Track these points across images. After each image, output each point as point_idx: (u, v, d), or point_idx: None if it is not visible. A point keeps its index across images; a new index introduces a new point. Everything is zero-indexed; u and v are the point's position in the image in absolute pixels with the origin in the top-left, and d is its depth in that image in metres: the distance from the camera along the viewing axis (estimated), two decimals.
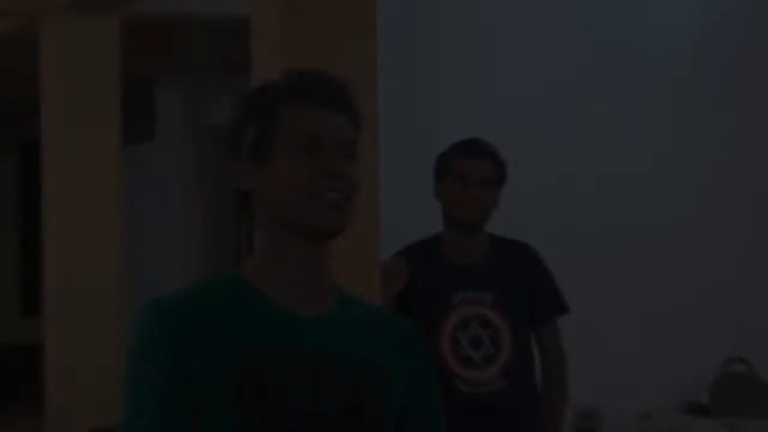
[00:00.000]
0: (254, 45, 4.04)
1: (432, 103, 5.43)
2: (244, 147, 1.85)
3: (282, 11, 3.83)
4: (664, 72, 5.85)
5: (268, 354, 1.80)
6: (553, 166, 5.66)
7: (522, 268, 3.97)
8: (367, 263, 3.57)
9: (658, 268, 5.85)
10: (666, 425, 5.55)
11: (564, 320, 3.96)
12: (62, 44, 6.13)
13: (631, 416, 5.46)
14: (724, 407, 5.45)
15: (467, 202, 3.82)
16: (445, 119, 5.29)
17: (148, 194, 9.21)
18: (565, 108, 5.65)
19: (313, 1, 3.88)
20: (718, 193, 5.97)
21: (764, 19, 6.12)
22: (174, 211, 9.38)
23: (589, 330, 4.89)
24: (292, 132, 1.81)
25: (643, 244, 5.83)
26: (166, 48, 8.32)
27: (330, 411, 1.82)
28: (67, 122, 6.12)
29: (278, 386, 1.80)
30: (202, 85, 9.10)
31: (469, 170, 3.82)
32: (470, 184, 3.83)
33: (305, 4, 3.85)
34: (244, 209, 1.92)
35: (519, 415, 3.87)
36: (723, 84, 5.94)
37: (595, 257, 5.65)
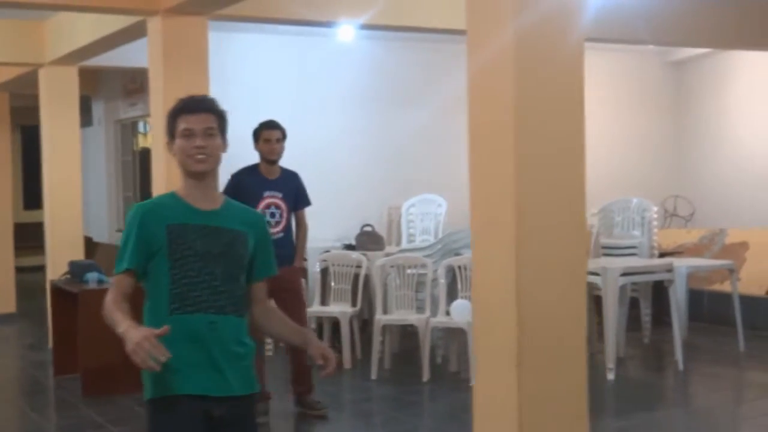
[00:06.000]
0: (151, 81, 5.96)
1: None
2: (168, 135, 2.73)
3: (164, 66, 5.93)
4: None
5: (185, 226, 2.66)
6: None
7: (293, 181, 5.74)
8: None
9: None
10: (335, 253, 7.77)
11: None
12: (51, 84, 8.74)
13: (318, 251, 7.89)
14: (361, 246, 8.35)
15: (270, 151, 5.53)
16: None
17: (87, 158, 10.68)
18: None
19: (182, 61, 5.80)
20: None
21: None
22: (101, 168, 11.64)
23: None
24: (180, 128, 2.70)
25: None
26: (99, 81, 10.97)
27: (215, 251, 2.69)
28: (54, 117, 8.75)
29: (189, 240, 2.65)
30: (115, 99, 11.26)
31: (269, 135, 5.55)
32: (271, 142, 5.51)
33: (181, 63, 5.88)
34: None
35: (290, 246, 5.70)
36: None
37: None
